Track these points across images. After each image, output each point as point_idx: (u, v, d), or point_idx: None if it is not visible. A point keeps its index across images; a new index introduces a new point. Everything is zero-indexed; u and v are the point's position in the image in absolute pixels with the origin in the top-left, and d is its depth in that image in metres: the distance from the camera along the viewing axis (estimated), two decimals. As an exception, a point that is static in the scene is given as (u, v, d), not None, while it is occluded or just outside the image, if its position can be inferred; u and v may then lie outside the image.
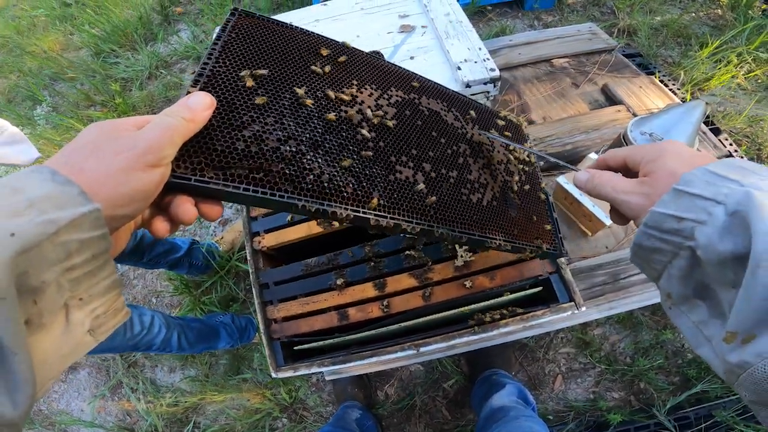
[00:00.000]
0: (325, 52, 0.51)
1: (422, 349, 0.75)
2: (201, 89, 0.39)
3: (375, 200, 0.44)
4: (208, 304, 1.52)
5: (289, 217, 0.87)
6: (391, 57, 0.97)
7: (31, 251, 0.22)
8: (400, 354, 0.75)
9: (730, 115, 1.62)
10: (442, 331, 0.76)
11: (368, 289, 0.79)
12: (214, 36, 0.44)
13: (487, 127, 0.66)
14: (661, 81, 1.39)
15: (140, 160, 0.29)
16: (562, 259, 0.77)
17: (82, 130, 0.31)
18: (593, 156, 1.01)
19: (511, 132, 0.70)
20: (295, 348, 0.81)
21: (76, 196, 0.25)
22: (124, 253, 1.19)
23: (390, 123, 0.51)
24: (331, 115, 0.45)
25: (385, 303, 0.77)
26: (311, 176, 0.40)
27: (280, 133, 0.40)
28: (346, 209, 0.41)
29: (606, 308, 1.02)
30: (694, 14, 2.05)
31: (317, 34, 0.53)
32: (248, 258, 0.87)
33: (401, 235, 0.47)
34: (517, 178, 0.64)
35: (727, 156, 1.20)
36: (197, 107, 0.35)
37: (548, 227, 0.64)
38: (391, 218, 0.44)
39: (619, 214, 0.39)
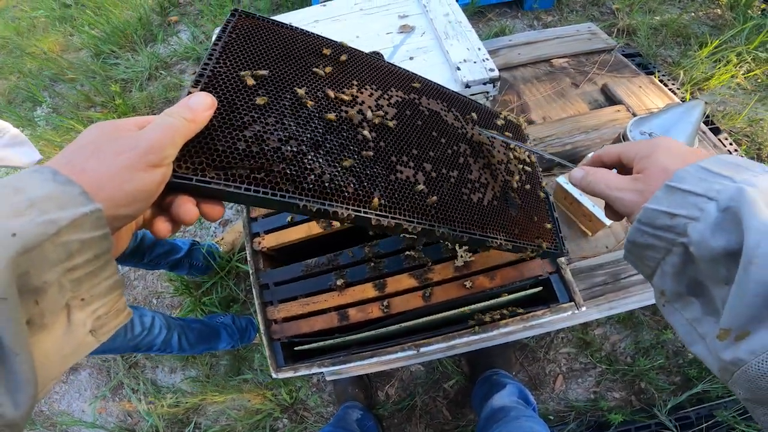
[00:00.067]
0: (326, 51, 0.51)
1: (423, 350, 0.75)
2: (202, 90, 0.39)
3: (376, 200, 0.44)
4: (209, 304, 1.52)
5: (289, 218, 0.87)
6: (390, 57, 0.97)
7: (32, 251, 0.22)
8: (400, 354, 0.75)
9: (730, 115, 1.62)
10: (442, 332, 0.76)
11: (368, 290, 0.79)
12: (215, 37, 0.44)
13: (487, 127, 0.66)
14: (661, 81, 1.39)
15: (142, 160, 0.29)
16: (562, 259, 0.77)
17: (83, 131, 0.31)
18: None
19: (511, 132, 0.70)
20: (295, 348, 0.81)
21: (77, 196, 0.25)
22: (125, 254, 1.19)
23: (390, 123, 0.51)
24: (332, 116, 0.45)
25: (385, 303, 0.77)
26: (312, 176, 0.40)
27: (281, 133, 0.40)
28: (348, 209, 0.41)
29: (606, 308, 1.02)
30: (693, 14, 2.05)
31: (317, 35, 0.53)
32: (248, 259, 0.87)
33: (402, 235, 0.47)
34: (517, 177, 0.64)
35: (727, 155, 1.20)
36: (198, 107, 0.35)
37: (549, 226, 0.64)
38: (392, 218, 0.44)
39: (613, 211, 0.40)
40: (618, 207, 0.36)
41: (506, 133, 0.68)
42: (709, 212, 0.27)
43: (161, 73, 2.18)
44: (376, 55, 0.60)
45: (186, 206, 0.34)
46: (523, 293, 0.76)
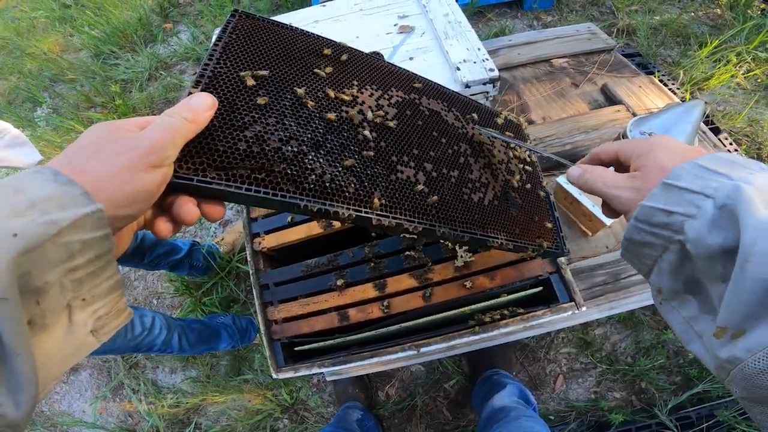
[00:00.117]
0: (326, 51, 0.51)
1: (423, 350, 0.75)
2: (202, 90, 0.39)
3: (377, 200, 0.44)
4: (209, 305, 1.52)
5: (289, 218, 0.87)
6: (390, 58, 0.97)
7: (33, 252, 0.22)
8: (400, 354, 0.75)
9: (730, 115, 1.62)
10: (442, 332, 0.76)
11: (368, 290, 0.79)
12: (215, 37, 0.44)
13: (487, 126, 0.66)
14: (661, 80, 1.39)
15: (142, 161, 0.29)
16: (563, 259, 0.77)
17: (83, 132, 0.31)
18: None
19: (512, 132, 0.70)
20: (295, 349, 0.81)
21: (78, 197, 0.25)
22: (125, 254, 1.19)
23: (391, 123, 0.51)
24: (332, 116, 0.45)
25: (385, 303, 0.77)
26: (313, 176, 0.40)
27: (281, 133, 0.40)
28: (348, 209, 0.41)
29: (606, 308, 1.02)
30: (693, 14, 2.05)
31: (317, 35, 0.53)
32: (248, 259, 0.87)
33: (402, 235, 0.47)
34: (518, 177, 0.64)
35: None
36: (199, 108, 0.35)
37: (550, 225, 0.64)
38: (393, 218, 0.44)
39: (610, 209, 0.39)
40: (615, 205, 0.36)
41: (507, 133, 0.68)
42: (706, 210, 0.27)
43: (161, 74, 2.18)
44: (377, 56, 0.60)
45: (187, 206, 0.34)
46: (523, 293, 0.76)
